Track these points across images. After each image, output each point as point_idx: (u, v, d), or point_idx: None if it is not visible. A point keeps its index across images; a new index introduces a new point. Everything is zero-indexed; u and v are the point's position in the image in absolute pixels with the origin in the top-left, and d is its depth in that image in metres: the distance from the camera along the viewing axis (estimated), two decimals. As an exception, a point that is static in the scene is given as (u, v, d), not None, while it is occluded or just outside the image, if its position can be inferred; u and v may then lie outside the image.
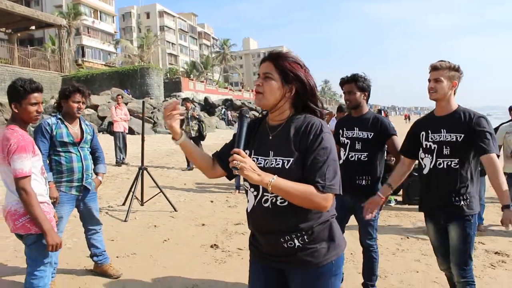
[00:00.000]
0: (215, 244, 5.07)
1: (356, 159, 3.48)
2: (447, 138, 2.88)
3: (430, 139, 2.97)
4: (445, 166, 2.89)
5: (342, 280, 3.87)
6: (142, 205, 6.62)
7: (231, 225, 5.99)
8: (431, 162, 2.96)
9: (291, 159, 1.81)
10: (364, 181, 3.48)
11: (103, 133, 19.74)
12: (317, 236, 1.87)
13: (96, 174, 4.12)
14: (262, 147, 1.92)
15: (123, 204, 6.83)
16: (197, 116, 11.11)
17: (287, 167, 1.81)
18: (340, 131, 3.63)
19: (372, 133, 3.47)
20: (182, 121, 11.07)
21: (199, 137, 11.06)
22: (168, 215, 6.46)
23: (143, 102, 7.07)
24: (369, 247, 3.62)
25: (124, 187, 8.21)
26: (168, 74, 54.66)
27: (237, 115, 11.55)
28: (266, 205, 1.86)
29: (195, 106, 12.27)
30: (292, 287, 1.97)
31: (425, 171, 3.00)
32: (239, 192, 8.21)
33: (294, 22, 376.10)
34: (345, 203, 3.42)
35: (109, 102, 25.03)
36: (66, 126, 3.76)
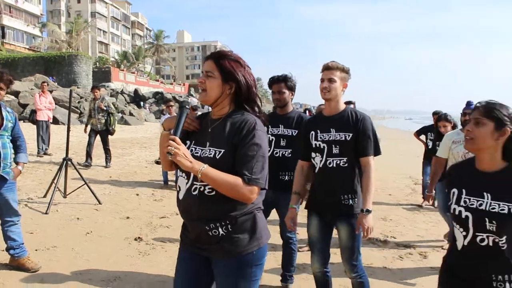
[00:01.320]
0: (139, 237, 5.08)
1: (280, 155, 3.65)
2: (336, 138, 2.94)
3: (319, 139, 3.00)
4: (334, 165, 2.94)
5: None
6: (65, 197, 6.44)
7: (156, 218, 6.01)
8: (321, 161, 2.99)
9: (223, 151, 1.93)
10: (287, 176, 3.65)
11: (24, 122, 18.66)
12: (240, 226, 1.99)
13: (16, 163, 3.97)
14: (201, 138, 2.03)
15: (44, 196, 6.61)
16: (105, 108, 9.81)
17: (218, 157, 1.92)
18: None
19: (296, 131, 3.65)
20: (90, 113, 10.03)
21: (106, 131, 9.90)
22: (92, 208, 6.35)
23: (70, 91, 6.86)
24: (288, 240, 3.83)
25: (45, 179, 7.92)
26: (97, 63, 52.60)
27: (165, 107, 11.03)
28: (194, 193, 1.95)
29: (105, 97, 10.56)
30: (215, 274, 2.07)
31: (316, 170, 3.04)
32: (166, 187, 8.20)
33: (229, 16, 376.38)
34: (267, 198, 3.59)
35: (32, 89, 23.78)
36: None
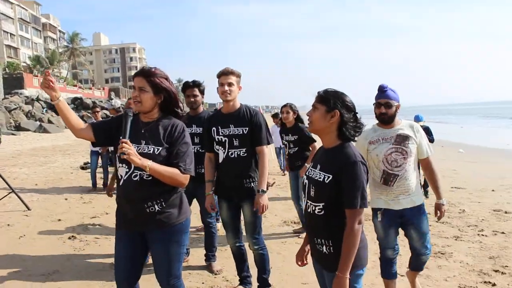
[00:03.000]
0: (72, 236, 5.43)
1: (196, 151, 4.05)
2: (235, 132, 3.43)
3: (220, 133, 3.48)
4: (235, 156, 3.45)
5: (188, 253, 4.63)
6: (-9, 206, 6.55)
7: (87, 218, 6.35)
8: (224, 152, 3.49)
9: (160, 148, 2.49)
10: (203, 169, 4.11)
11: None
12: (171, 203, 2.57)
13: None
14: (135, 138, 2.52)
15: (-31, 206, 6.66)
16: None
17: (156, 153, 2.48)
18: None
19: None
20: None
21: None
22: (21, 214, 6.54)
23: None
24: (209, 224, 4.42)
25: (-33, 191, 7.85)
26: (7, 69, 49.55)
27: (85, 114, 11.25)
28: (135, 179, 2.48)
29: None
30: (153, 245, 2.60)
31: (220, 161, 3.51)
32: (94, 190, 8.45)
33: (147, 18, 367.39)
34: (188, 189, 4.10)
35: None
36: None
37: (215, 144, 3.55)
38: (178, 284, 2.68)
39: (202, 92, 4.32)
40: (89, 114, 33.68)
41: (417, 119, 8.28)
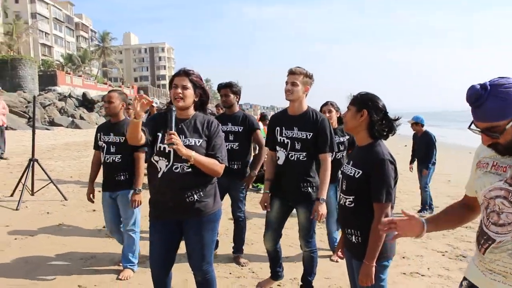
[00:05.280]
0: (107, 225, 5.72)
1: (230, 148, 4.34)
2: (299, 136, 3.39)
3: (283, 135, 3.46)
4: (295, 159, 3.42)
5: (217, 246, 4.84)
6: (32, 195, 6.95)
7: (121, 210, 6.62)
8: (285, 154, 3.47)
9: (201, 140, 2.75)
10: (236, 165, 4.41)
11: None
12: (208, 193, 2.81)
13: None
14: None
15: (11, 195, 7.07)
16: None
17: (198, 144, 2.73)
18: None
19: (242, 127, 4.46)
20: None
21: None
22: (59, 204, 6.91)
23: (34, 97, 7.30)
24: (238, 218, 4.64)
25: (7, 181, 8.32)
26: (41, 67, 51.10)
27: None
28: (176, 171, 2.71)
29: None
30: (189, 232, 2.82)
31: (280, 162, 3.51)
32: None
33: (174, 18, 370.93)
34: (221, 183, 3.71)
35: (-24, 94, 23.19)
36: None
37: (276, 145, 3.56)
38: (210, 269, 2.90)
39: (234, 93, 4.53)
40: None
41: (417, 120, 6.89)
